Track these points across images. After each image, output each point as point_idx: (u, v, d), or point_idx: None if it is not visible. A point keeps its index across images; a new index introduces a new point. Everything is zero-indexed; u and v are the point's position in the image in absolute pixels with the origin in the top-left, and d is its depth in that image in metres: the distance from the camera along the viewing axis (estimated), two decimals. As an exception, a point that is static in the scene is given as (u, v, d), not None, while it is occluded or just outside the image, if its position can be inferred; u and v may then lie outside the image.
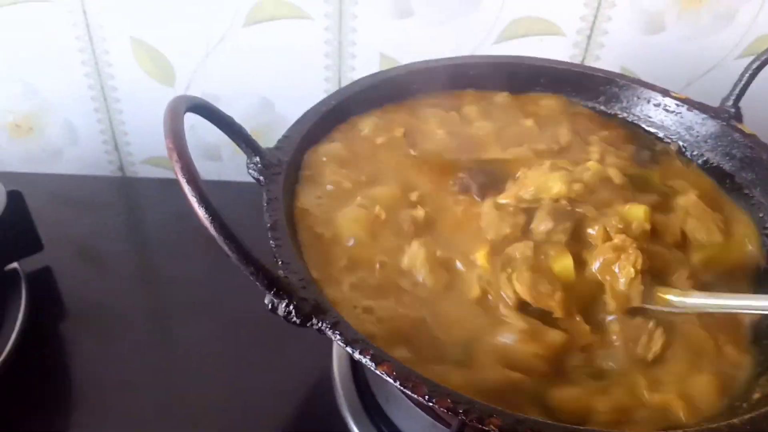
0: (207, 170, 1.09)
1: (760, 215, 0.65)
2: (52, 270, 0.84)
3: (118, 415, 0.69)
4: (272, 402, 0.71)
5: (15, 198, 0.75)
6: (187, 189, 0.41)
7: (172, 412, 0.70)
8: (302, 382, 0.73)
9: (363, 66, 0.97)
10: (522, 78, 0.76)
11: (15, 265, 0.80)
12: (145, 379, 0.73)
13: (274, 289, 0.44)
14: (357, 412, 0.67)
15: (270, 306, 0.45)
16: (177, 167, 0.41)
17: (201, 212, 0.41)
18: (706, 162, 0.71)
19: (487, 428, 0.40)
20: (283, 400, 0.71)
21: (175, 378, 0.73)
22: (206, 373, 0.73)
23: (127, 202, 1.04)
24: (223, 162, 1.09)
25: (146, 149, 1.08)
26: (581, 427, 0.43)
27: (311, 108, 0.66)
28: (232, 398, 0.71)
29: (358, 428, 0.66)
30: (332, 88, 0.99)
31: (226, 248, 0.42)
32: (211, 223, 0.41)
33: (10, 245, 0.78)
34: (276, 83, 1.00)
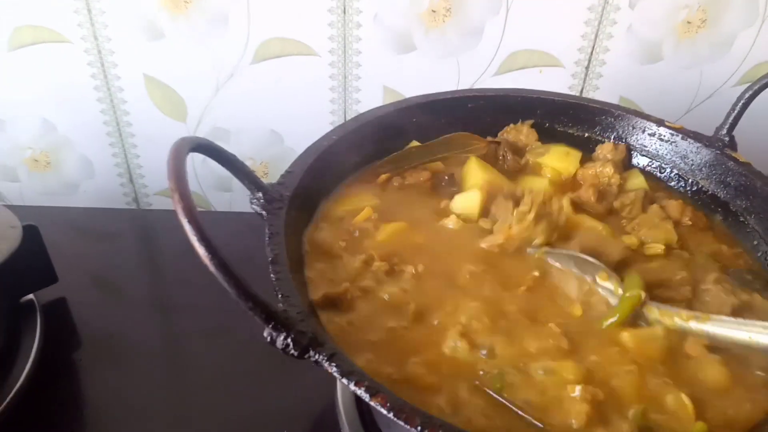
0: (219, 201, 1.12)
1: (755, 242, 0.66)
2: (67, 301, 0.86)
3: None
4: (279, 428, 0.72)
5: (31, 232, 0.78)
6: (188, 228, 0.44)
7: (182, 439, 0.72)
8: (307, 409, 0.74)
9: (367, 99, 1.00)
10: (519, 110, 0.78)
11: (31, 296, 0.82)
12: (158, 406, 0.74)
13: (272, 323, 0.46)
14: (360, 441, 0.68)
15: (269, 339, 0.47)
16: (178, 208, 0.44)
17: (201, 251, 0.43)
18: (699, 190, 0.73)
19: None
20: (289, 426, 0.72)
21: (187, 405, 0.75)
22: (216, 400, 0.75)
23: (141, 233, 1.06)
24: (234, 192, 1.12)
25: (160, 181, 1.11)
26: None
27: (313, 144, 0.68)
28: (241, 425, 0.72)
29: (362, 456, 0.67)
30: (338, 120, 1.02)
31: (225, 285, 0.44)
32: (210, 261, 0.43)
33: (26, 278, 0.81)
34: (284, 117, 1.03)
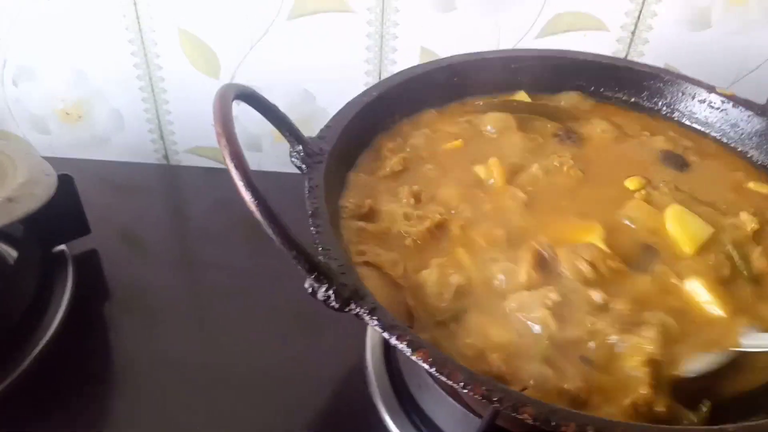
0: (248, 160, 1.10)
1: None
2: (98, 252, 0.87)
3: (158, 392, 0.71)
4: (306, 388, 0.72)
5: (66, 182, 0.78)
6: (234, 173, 0.43)
7: (209, 392, 0.72)
8: (335, 370, 0.74)
9: (404, 59, 0.98)
10: (564, 72, 0.76)
11: (63, 247, 0.83)
12: (184, 360, 0.75)
13: (315, 274, 0.45)
14: (389, 400, 0.68)
15: (310, 290, 0.46)
16: (225, 152, 0.43)
17: (247, 196, 0.42)
18: (749, 160, 0.70)
19: (521, 417, 0.41)
20: (316, 387, 0.72)
21: (213, 360, 0.75)
22: (242, 357, 0.75)
23: (170, 190, 1.06)
24: (264, 152, 1.11)
25: (190, 139, 1.11)
26: (616, 421, 0.43)
27: (353, 99, 0.67)
28: (267, 383, 0.72)
29: (391, 417, 0.67)
30: (372, 81, 1.00)
31: (270, 232, 0.43)
32: (257, 207, 0.42)
33: (60, 227, 0.81)
34: (317, 76, 1.01)
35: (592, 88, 0.77)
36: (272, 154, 1.11)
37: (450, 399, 0.60)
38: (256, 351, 0.76)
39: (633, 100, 0.76)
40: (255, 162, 1.12)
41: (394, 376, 0.70)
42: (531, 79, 0.76)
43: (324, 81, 1.02)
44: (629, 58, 0.94)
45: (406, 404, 0.67)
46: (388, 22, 0.94)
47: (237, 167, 0.42)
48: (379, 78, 1.00)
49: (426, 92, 0.72)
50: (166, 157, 1.13)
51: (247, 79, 1.01)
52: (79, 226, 0.84)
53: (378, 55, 0.98)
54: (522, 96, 0.75)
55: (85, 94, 1.05)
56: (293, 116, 1.03)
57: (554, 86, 0.76)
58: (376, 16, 0.94)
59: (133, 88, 1.04)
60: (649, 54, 0.93)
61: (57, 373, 0.72)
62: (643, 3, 0.89)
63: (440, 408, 0.63)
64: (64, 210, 0.79)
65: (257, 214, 0.42)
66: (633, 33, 0.92)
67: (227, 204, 0.94)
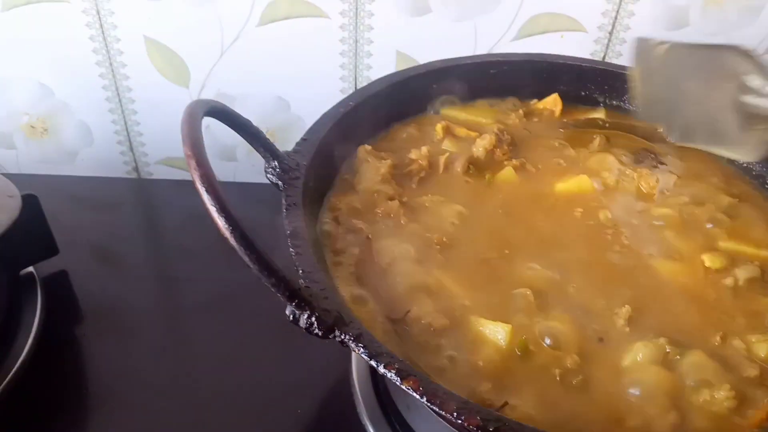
0: (222, 171, 1.08)
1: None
2: (68, 273, 0.84)
3: (135, 416, 0.69)
4: (290, 406, 0.70)
5: (31, 202, 0.75)
6: (206, 198, 0.40)
7: (188, 414, 0.69)
8: (320, 387, 0.72)
9: (379, 65, 0.95)
10: (543, 76, 0.75)
11: (31, 269, 0.79)
12: (162, 380, 0.72)
13: (296, 301, 0.43)
14: (376, 420, 0.66)
15: (291, 318, 0.44)
16: (196, 175, 0.40)
17: (221, 222, 0.40)
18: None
19: (517, 445, 0.39)
20: (300, 406, 0.70)
21: (192, 379, 0.73)
22: (222, 375, 0.73)
23: (142, 204, 1.03)
24: (239, 163, 1.08)
25: (161, 150, 1.07)
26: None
27: (330, 110, 0.65)
28: (249, 401, 0.70)
29: (378, 437, 0.65)
30: (348, 87, 0.98)
31: (246, 259, 0.40)
32: (231, 233, 0.40)
33: (26, 249, 0.78)
34: (291, 83, 0.98)
35: (572, 91, 0.75)
36: (247, 164, 1.08)
37: (441, 420, 0.58)
38: (237, 369, 0.74)
39: (615, 103, 0.75)
40: (230, 173, 1.09)
41: (381, 394, 0.68)
42: (513, 83, 0.74)
43: (298, 88, 0.99)
44: (607, 58, 0.93)
45: (395, 423, 0.65)
46: (362, 27, 0.92)
47: (209, 191, 0.40)
48: (355, 84, 0.97)
49: (401, 101, 0.70)
50: (136, 169, 1.10)
51: (218, 87, 0.98)
52: (47, 247, 0.81)
53: (353, 60, 0.95)
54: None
55: (50, 107, 1.02)
56: (268, 125, 1.02)
57: (538, 91, 0.75)
58: (349, 21, 0.92)
59: (99, 100, 1.01)
60: (627, 54, 0.92)
61: (29, 403, 0.69)
62: (620, 3, 0.88)
63: (431, 428, 0.61)
64: (29, 231, 0.76)
65: (231, 241, 0.40)
66: (611, 33, 0.91)
67: (202, 217, 0.90)
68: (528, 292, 0.55)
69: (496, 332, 0.51)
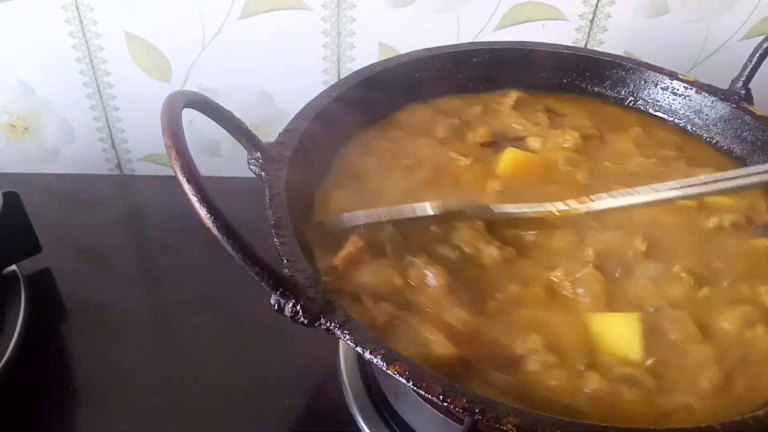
0: (206, 166, 1.07)
1: (774, 198, 0.64)
2: (51, 271, 0.83)
3: (122, 415, 0.68)
4: (279, 399, 0.70)
5: (12, 199, 0.74)
6: (187, 188, 0.40)
7: (177, 410, 0.69)
8: (308, 378, 0.72)
9: (362, 56, 0.95)
10: (525, 64, 0.75)
11: (13, 267, 0.79)
12: (149, 378, 0.72)
13: (281, 290, 0.43)
14: (365, 409, 0.66)
15: (276, 306, 0.44)
16: (176, 166, 0.40)
17: (203, 212, 0.39)
18: (716, 145, 0.70)
19: (504, 428, 0.39)
20: (289, 397, 0.70)
21: (179, 376, 0.72)
22: (211, 371, 0.72)
23: (125, 201, 1.02)
24: (223, 157, 1.08)
25: (144, 146, 1.07)
26: (600, 425, 0.42)
27: (312, 100, 0.64)
28: (238, 396, 0.70)
29: (367, 425, 0.65)
30: (331, 79, 0.98)
31: (229, 248, 0.40)
32: (213, 223, 0.39)
33: (8, 248, 0.77)
34: (274, 76, 0.98)
35: (554, 79, 0.75)
36: (232, 158, 1.08)
37: (428, 406, 0.58)
38: (225, 364, 0.73)
39: (596, 90, 0.75)
40: (214, 167, 1.08)
41: (370, 383, 0.68)
42: (493, 71, 0.74)
43: (281, 81, 0.99)
44: (589, 46, 0.94)
45: (384, 412, 0.65)
46: (345, 18, 0.92)
47: (190, 181, 0.40)
48: (338, 76, 0.97)
49: (384, 91, 0.70)
50: (119, 166, 1.09)
51: (200, 81, 0.98)
52: (30, 245, 0.80)
53: (335, 52, 0.95)
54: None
55: (30, 105, 1.00)
56: (252, 119, 1.01)
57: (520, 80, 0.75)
58: (331, 12, 0.91)
59: (80, 97, 1.00)
60: (608, 42, 0.93)
61: (13, 402, 0.68)
62: (601, -9, 0.89)
63: (419, 415, 0.61)
64: (11, 229, 0.75)
65: (214, 230, 0.40)
66: (591, 21, 0.91)
67: (186, 212, 0.89)
68: None
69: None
